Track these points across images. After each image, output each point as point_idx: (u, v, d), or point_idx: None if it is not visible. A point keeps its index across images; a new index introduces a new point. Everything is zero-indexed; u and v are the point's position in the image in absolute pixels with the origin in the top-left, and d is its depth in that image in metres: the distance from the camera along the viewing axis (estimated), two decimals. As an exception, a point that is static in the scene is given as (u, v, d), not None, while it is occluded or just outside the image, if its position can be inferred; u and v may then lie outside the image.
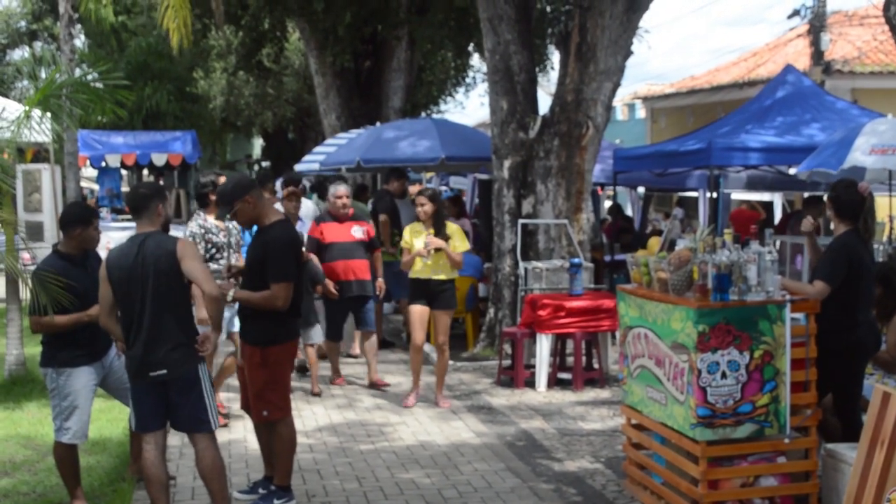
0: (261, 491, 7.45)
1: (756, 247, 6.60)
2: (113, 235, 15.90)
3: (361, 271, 11.20)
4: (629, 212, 21.80)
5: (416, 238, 10.20)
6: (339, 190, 11.39)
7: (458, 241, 10.23)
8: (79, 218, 7.16)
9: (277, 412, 7.17)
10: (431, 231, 10.12)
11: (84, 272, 6.88)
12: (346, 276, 11.09)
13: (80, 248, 7.14)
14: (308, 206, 13.81)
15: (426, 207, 10.12)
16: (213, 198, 9.09)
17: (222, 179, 9.40)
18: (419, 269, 10.20)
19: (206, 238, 9.33)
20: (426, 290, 10.20)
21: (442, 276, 10.19)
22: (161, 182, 26.03)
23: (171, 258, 6.35)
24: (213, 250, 9.37)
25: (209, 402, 6.49)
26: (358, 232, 11.27)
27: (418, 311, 10.24)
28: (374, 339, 11.46)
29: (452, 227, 10.30)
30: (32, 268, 7.28)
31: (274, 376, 7.13)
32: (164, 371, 6.33)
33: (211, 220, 9.43)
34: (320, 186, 17.48)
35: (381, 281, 11.57)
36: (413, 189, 23.11)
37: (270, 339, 7.11)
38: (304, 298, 8.61)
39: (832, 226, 7.48)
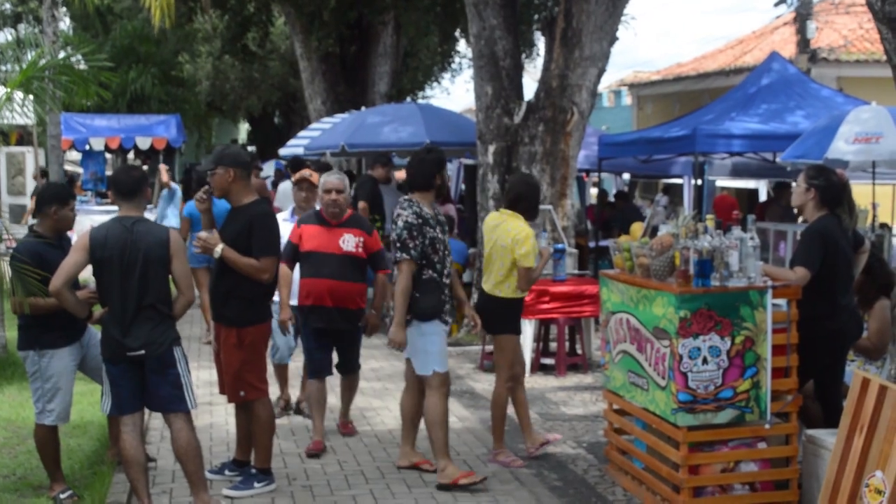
0: (227, 472, 7.47)
1: (738, 233, 6.60)
2: (97, 219, 15.78)
3: (346, 297, 8.19)
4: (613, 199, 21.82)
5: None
6: (329, 181, 8.21)
7: None
8: (55, 196, 7.12)
9: (254, 392, 7.16)
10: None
11: (61, 254, 6.78)
12: (321, 300, 8.16)
13: (55, 228, 7.10)
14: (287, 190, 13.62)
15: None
16: (439, 182, 7.68)
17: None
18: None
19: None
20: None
21: None
22: (146, 166, 25.97)
23: (162, 248, 6.37)
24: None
25: (185, 382, 6.49)
26: (349, 243, 8.21)
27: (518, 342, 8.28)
28: (355, 381, 8.78)
29: None
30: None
31: (251, 356, 7.12)
32: (142, 351, 6.32)
33: (425, 208, 7.52)
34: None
35: (371, 314, 8.38)
36: (399, 175, 23.08)
37: (247, 320, 7.08)
38: None
39: (798, 211, 7.47)
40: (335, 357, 8.56)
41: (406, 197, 7.61)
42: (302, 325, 8.37)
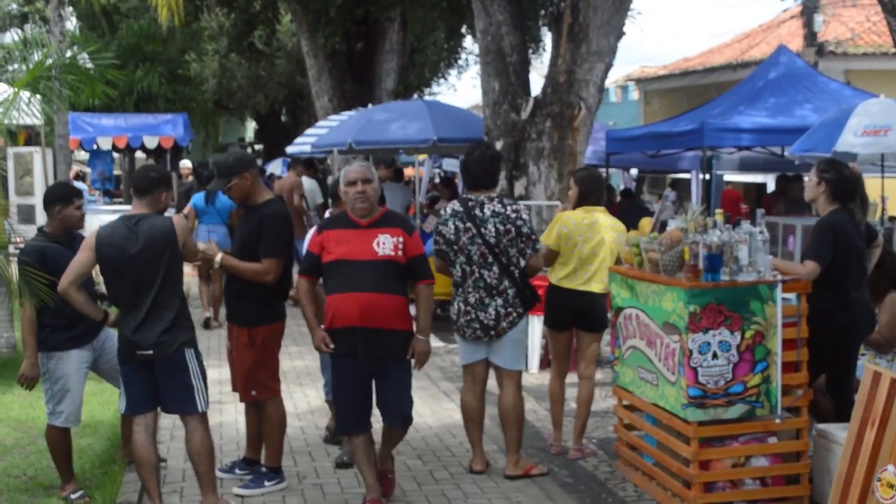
0: (237, 471, 7.47)
1: (747, 227, 6.58)
2: (104, 219, 15.86)
3: (382, 315, 6.56)
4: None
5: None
6: (351, 170, 6.71)
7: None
8: (58, 196, 7.13)
9: (266, 392, 7.15)
10: None
11: (70, 254, 6.78)
12: (347, 319, 6.56)
13: (63, 227, 7.10)
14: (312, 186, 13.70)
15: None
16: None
17: None
18: None
19: None
20: None
21: None
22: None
23: (167, 238, 6.35)
24: None
25: (196, 383, 6.46)
26: (386, 245, 6.63)
27: None
28: (398, 434, 7.08)
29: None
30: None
31: (262, 356, 7.11)
32: (151, 352, 6.31)
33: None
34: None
35: (419, 340, 6.73)
36: (409, 172, 23.03)
37: (258, 320, 7.08)
38: None
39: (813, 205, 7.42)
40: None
41: (493, 195, 7.33)
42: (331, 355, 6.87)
